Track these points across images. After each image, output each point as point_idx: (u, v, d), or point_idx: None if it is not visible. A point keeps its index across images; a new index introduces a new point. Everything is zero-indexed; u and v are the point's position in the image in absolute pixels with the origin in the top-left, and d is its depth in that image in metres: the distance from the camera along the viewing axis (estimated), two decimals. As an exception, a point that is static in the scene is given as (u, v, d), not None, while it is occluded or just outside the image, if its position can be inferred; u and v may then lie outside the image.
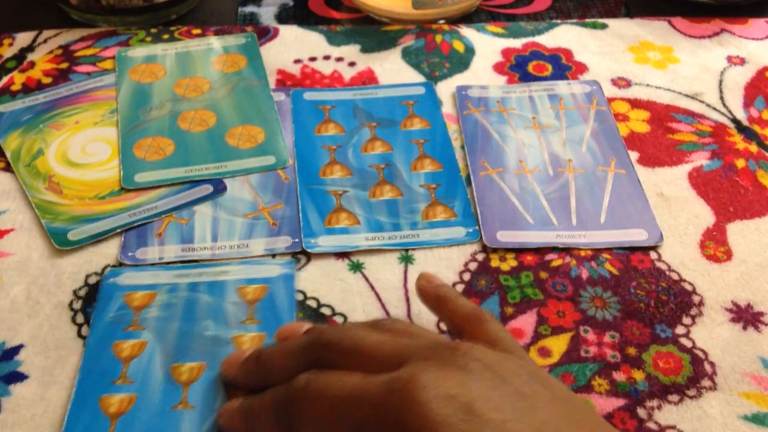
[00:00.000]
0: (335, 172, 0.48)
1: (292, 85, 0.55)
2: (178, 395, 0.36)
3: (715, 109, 0.52)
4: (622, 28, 0.60)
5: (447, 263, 0.42)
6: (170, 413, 0.35)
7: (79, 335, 0.39)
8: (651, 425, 0.35)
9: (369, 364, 0.29)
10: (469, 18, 0.62)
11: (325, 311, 0.40)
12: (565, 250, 0.43)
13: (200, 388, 0.36)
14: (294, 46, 0.58)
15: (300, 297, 0.41)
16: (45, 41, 0.58)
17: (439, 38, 0.59)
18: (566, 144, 0.50)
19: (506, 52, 0.57)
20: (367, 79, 0.55)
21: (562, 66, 0.56)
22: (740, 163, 0.48)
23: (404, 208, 0.45)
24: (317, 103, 0.53)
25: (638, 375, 0.37)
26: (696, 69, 0.56)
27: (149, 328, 0.39)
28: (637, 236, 0.44)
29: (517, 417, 0.26)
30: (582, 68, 0.56)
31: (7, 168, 0.48)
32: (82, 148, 0.49)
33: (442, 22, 0.60)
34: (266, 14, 0.62)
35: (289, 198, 0.46)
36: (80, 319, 0.40)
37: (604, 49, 0.58)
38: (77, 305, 0.41)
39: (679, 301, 0.41)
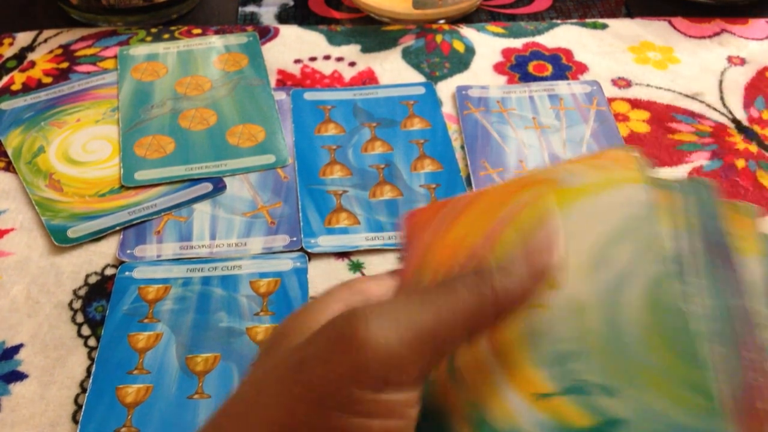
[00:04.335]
0: (335, 172, 0.48)
1: (293, 84, 0.55)
2: (194, 385, 0.37)
3: (715, 109, 0.52)
4: (622, 28, 0.60)
5: (447, 263, 0.42)
6: (186, 403, 0.36)
7: (79, 335, 0.39)
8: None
9: None
10: (469, 18, 0.62)
11: (325, 310, 0.40)
12: (565, 250, 0.43)
13: (216, 378, 0.37)
14: (294, 46, 0.58)
15: (300, 296, 0.41)
16: (45, 41, 0.58)
17: (439, 38, 0.58)
18: (566, 144, 0.49)
19: (506, 52, 0.57)
20: (367, 79, 0.55)
21: (563, 66, 0.56)
22: (740, 163, 0.48)
23: (404, 208, 0.45)
24: (317, 103, 0.53)
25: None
26: (696, 69, 0.56)
27: (164, 321, 0.39)
28: (637, 236, 0.44)
29: None
30: (582, 68, 0.56)
31: (8, 168, 0.48)
32: (83, 146, 0.49)
33: (442, 22, 0.60)
34: (266, 14, 0.62)
35: (287, 197, 0.46)
36: (80, 318, 0.40)
37: (604, 49, 0.58)
38: (77, 305, 0.41)
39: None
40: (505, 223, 0.24)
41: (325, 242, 0.43)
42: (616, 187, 0.24)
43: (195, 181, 0.47)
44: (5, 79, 0.55)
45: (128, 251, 0.43)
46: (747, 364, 0.21)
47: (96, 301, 0.41)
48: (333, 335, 0.20)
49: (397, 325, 0.19)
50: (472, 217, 0.25)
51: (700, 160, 0.49)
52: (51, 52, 0.57)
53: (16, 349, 0.39)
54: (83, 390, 0.37)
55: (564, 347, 0.22)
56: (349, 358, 0.19)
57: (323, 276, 0.42)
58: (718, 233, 0.23)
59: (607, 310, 0.22)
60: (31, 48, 0.58)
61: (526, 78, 0.55)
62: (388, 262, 0.43)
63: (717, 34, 0.59)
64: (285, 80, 0.55)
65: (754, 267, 0.23)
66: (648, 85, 0.54)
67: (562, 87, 0.54)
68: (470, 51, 0.57)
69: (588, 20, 0.61)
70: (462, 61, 0.56)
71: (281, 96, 0.53)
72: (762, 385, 0.21)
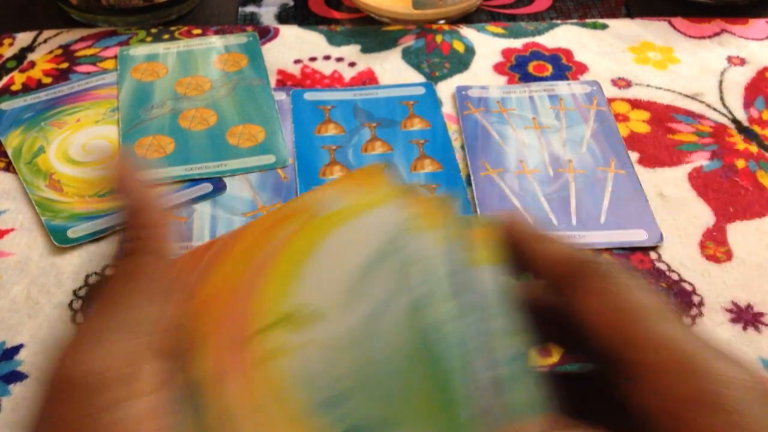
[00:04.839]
0: (335, 173, 0.48)
1: (293, 85, 0.55)
2: None
3: (715, 109, 0.52)
4: (622, 28, 0.60)
5: (447, 263, 0.42)
6: None
7: (79, 334, 0.39)
8: (651, 425, 0.35)
9: None
10: (469, 18, 0.62)
11: (325, 311, 0.40)
12: (565, 250, 0.43)
13: None
14: (294, 46, 0.58)
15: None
16: (45, 41, 0.58)
17: (439, 38, 0.59)
18: (566, 144, 0.50)
19: (506, 53, 0.57)
20: (367, 79, 0.55)
21: (563, 66, 0.56)
22: (740, 163, 0.48)
23: (404, 208, 0.45)
24: (317, 103, 0.53)
25: (638, 375, 0.37)
26: (696, 69, 0.56)
27: None
28: (637, 236, 0.44)
29: None
30: (582, 68, 0.56)
31: (8, 168, 0.48)
32: (83, 146, 0.49)
33: (442, 22, 0.60)
34: (266, 14, 0.62)
35: (287, 197, 0.46)
36: (80, 319, 0.40)
37: (604, 49, 0.58)
38: (77, 305, 0.41)
39: (679, 302, 0.40)
40: (267, 264, 0.23)
41: (325, 242, 0.43)
42: (368, 211, 0.24)
43: (195, 181, 0.47)
44: (5, 79, 0.55)
45: (128, 251, 0.43)
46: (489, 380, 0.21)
47: (96, 302, 0.41)
48: (48, 384, 0.20)
49: (92, 346, 0.20)
50: (235, 258, 0.25)
51: (700, 160, 0.49)
52: (51, 52, 0.57)
53: (16, 349, 0.39)
54: (83, 390, 0.37)
55: (335, 387, 0.21)
56: (66, 399, 0.19)
57: (323, 276, 0.42)
58: (460, 249, 0.23)
59: (369, 345, 0.21)
60: (31, 48, 0.58)
61: (526, 78, 0.55)
62: (388, 262, 0.43)
63: (717, 34, 0.59)
64: (285, 80, 0.55)
65: (486, 276, 0.23)
66: (648, 85, 0.54)
67: (562, 87, 0.54)
68: (470, 51, 0.57)
69: (588, 20, 0.61)
70: (462, 61, 0.57)
71: (281, 96, 0.53)
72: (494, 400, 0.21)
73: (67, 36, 0.59)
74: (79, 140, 0.50)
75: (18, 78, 0.55)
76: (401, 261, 0.22)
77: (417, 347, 0.21)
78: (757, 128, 0.51)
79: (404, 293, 0.22)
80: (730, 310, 0.40)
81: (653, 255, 0.43)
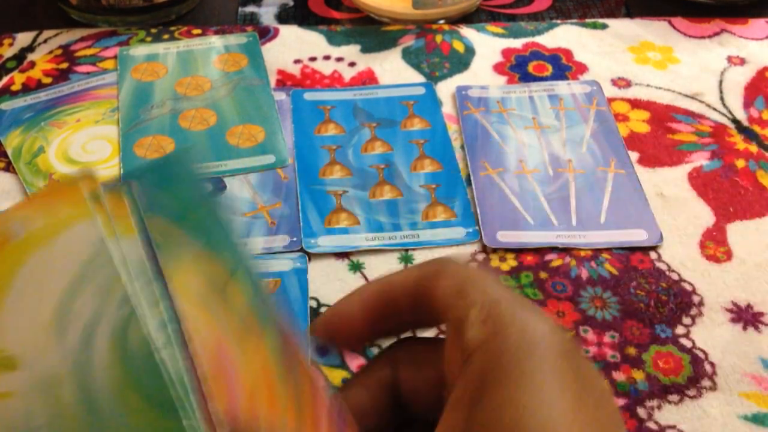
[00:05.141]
0: (335, 173, 0.48)
1: (292, 85, 0.55)
2: None
3: (715, 109, 0.52)
4: (622, 28, 0.60)
5: (447, 263, 0.42)
6: None
7: (79, 334, 0.39)
8: (651, 425, 0.35)
9: None
10: (469, 18, 0.62)
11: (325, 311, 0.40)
12: (565, 251, 0.43)
13: None
14: (294, 46, 0.58)
15: (300, 296, 0.41)
16: (45, 41, 0.58)
17: (439, 38, 0.59)
18: (566, 144, 0.50)
19: (506, 52, 0.57)
20: (367, 79, 0.55)
21: (562, 66, 0.56)
22: (740, 163, 0.48)
23: (404, 209, 0.45)
24: (317, 103, 0.53)
25: (638, 375, 0.37)
26: (696, 69, 0.56)
27: None
28: (637, 236, 0.44)
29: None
30: (582, 68, 0.56)
31: (8, 168, 0.48)
32: (83, 146, 0.49)
33: (442, 22, 0.60)
34: (266, 14, 0.62)
35: (287, 197, 0.46)
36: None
37: (604, 49, 0.58)
38: (77, 304, 0.41)
39: (679, 302, 0.41)
40: None
41: (325, 242, 0.43)
42: (64, 230, 0.21)
43: (195, 181, 0.47)
44: (5, 79, 0.55)
45: (128, 251, 0.43)
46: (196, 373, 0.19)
47: (96, 302, 0.41)
48: None
49: None
50: None
51: (700, 160, 0.49)
52: (51, 52, 0.57)
53: (16, 349, 0.39)
54: (83, 390, 0.37)
55: None
56: None
57: (323, 276, 0.42)
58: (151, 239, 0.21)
59: (80, 377, 0.19)
60: (30, 48, 0.58)
61: (526, 78, 0.55)
62: (389, 262, 0.43)
63: (717, 34, 0.59)
64: (285, 80, 0.55)
65: (130, 248, 0.21)
66: (648, 85, 0.54)
67: (562, 87, 0.54)
68: (470, 51, 0.57)
69: (588, 20, 0.61)
70: (462, 61, 0.57)
71: (281, 96, 0.53)
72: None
73: (67, 36, 0.59)
74: (79, 140, 0.50)
75: (18, 78, 0.55)
76: (105, 279, 0.20)
77: (134, 371, 0.19)
78: (757, 128, 0.51)
79: (112, 313, 0.20)
80: (730, 310, 0.40)
81: (653, 255, 0.43)
